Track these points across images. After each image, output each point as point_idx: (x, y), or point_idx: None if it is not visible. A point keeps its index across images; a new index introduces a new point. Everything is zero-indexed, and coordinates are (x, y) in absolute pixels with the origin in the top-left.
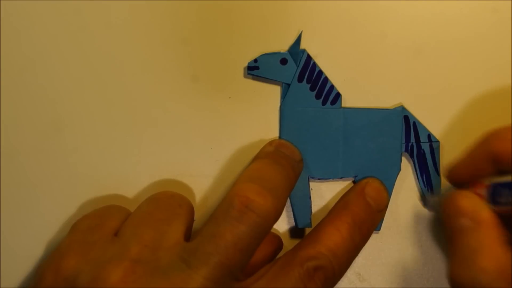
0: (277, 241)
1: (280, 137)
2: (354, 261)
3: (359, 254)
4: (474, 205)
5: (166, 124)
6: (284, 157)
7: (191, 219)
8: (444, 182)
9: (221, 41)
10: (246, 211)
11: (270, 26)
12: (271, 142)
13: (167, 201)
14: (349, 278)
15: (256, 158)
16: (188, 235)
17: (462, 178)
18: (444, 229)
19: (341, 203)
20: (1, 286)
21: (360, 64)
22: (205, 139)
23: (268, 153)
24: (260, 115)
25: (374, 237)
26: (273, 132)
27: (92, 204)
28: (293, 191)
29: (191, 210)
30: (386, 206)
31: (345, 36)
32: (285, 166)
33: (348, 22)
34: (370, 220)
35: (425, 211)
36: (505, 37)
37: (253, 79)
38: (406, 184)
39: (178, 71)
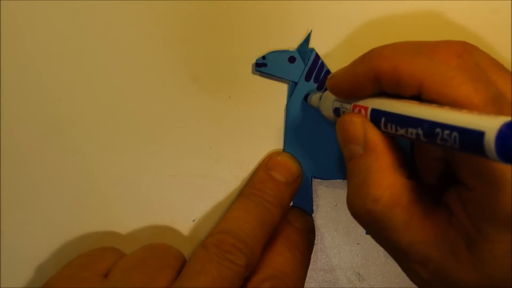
0: None
1: (284, 135)
2: (354, 261)
3: (359, 254)
4: (361, 130)
5: (166, 124)
6: (272, 190)
7: None
8: None
9: (221, 41)
10: (225, 259)
11: (269, 26)
12: (266, 163)
13: (163, 251)
14: (349, 278)
15: (245, 191)
16: None
17: (344, 92)
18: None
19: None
20: (1, 286)
21: None
22: (205, 139)
23: (253, 192)
24: (259, 115)
25: None
26: (272, 132)
27: (92, 204)
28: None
29: (184, 265)
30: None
31: (353, 37)
32: (268, 207)
33: (357, 23)
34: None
35: None
36: (505, 37)
37: (260, 75)
38: None
39: (178, 71)
